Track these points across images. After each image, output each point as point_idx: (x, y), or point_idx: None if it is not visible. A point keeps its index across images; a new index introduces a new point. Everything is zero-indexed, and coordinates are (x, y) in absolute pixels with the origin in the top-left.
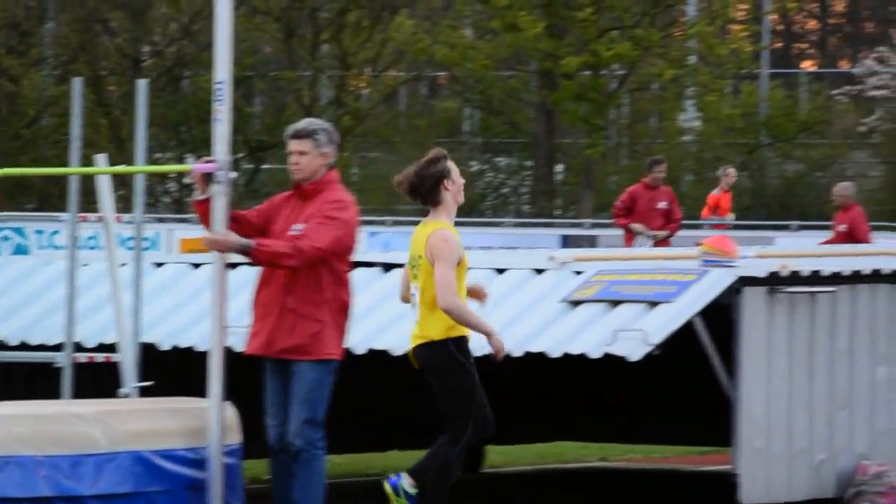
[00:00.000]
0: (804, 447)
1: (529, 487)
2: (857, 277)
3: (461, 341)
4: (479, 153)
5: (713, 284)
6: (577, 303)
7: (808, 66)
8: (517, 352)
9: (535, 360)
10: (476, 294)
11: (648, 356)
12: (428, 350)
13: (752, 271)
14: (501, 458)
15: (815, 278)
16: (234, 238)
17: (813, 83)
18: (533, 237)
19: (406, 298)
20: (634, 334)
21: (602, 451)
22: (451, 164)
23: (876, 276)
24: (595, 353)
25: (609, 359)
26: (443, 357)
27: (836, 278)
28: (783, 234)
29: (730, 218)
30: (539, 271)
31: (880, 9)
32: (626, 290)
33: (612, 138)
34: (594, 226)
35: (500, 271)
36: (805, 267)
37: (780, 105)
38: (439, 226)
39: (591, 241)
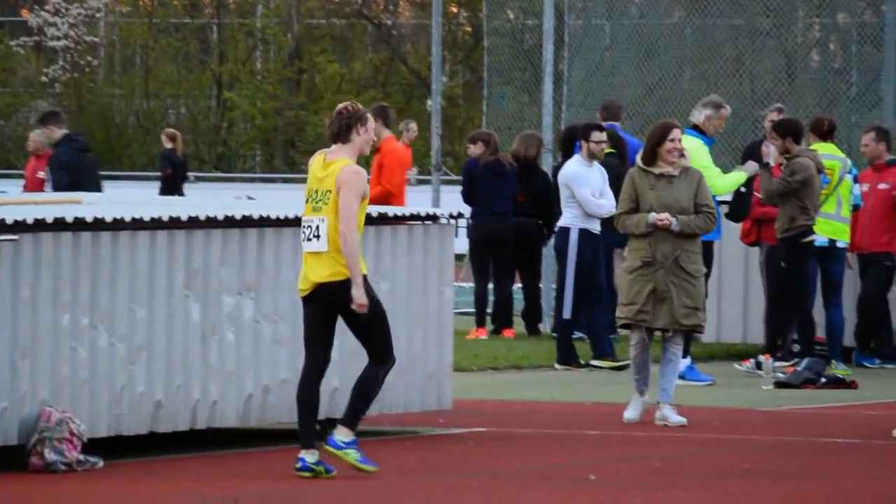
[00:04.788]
0: None
1: None
2: (41, 226)
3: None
4: None
5: None
6: None
7: None
8: None
9: None
10: None
11: None
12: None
13: None
14: None
15: None
16: None
17: None
18: None
19: None
20: None
21: None
22: (370, 117)
23: (59, 225)
24: None
25: None
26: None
27: (19, 226)
28: None
29: (413, 172)
30: None
31: None
32: None
33: None
34: None
35: None
36: None
37: None
38: (348, 161)
39: None
